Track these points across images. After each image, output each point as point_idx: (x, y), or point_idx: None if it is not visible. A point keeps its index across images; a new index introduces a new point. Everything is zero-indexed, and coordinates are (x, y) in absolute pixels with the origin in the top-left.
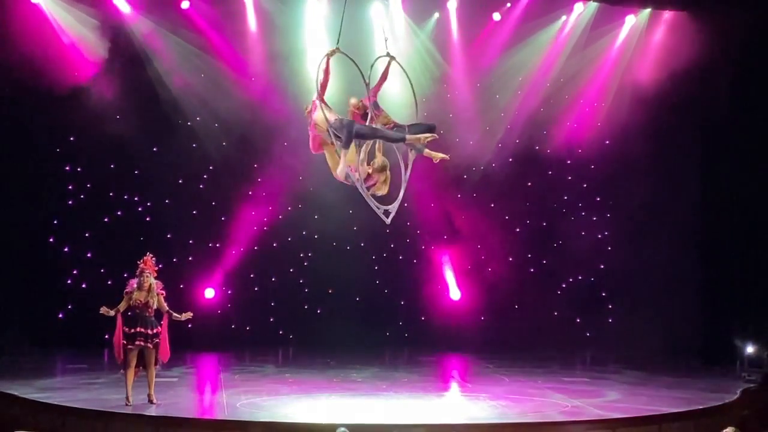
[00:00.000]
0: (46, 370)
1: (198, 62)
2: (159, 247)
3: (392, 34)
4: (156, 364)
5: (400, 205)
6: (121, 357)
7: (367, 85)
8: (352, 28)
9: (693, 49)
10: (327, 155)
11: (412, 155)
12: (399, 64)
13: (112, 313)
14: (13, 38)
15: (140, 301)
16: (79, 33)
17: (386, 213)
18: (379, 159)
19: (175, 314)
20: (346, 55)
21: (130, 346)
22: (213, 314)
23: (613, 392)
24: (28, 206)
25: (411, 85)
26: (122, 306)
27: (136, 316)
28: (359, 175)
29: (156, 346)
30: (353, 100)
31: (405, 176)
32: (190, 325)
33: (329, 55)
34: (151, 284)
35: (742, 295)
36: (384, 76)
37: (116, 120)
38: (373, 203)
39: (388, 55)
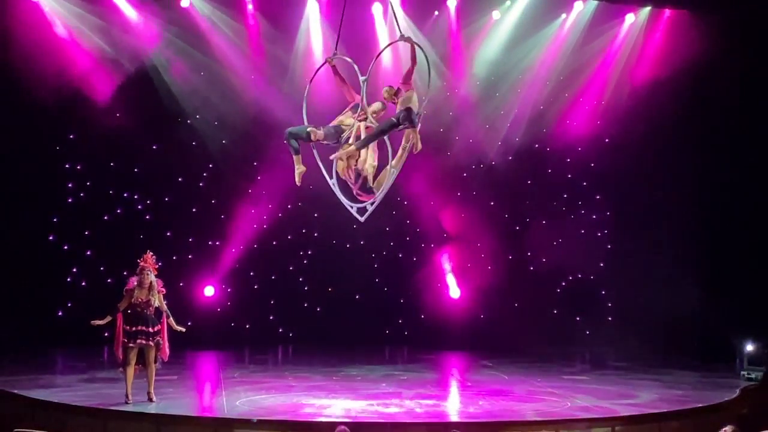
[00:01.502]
0: (46, 367)
1: (198, 60)
2: (159, 245)
3: (389, 34)
4: (156, 362)
5: (399, 204)
6: (121, 355)
7: (365, 82)
8: (352, 27)
9: (693, 47)
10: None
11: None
12: (416, 44)
13: (102, 322)
14: (12, 36)
15: (141, 299)
16: (79, 31)
17: (361, 211)
18: (346, 148)
19: (171, 319)
20: (345, 58)
21: (130, 345)
22: (213, 312)
23: (613, 390)
24: (28, 204)
25: (427, 63)
26: (122, 304)
27: (137, 314)
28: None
29: (157, 344)
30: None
31: (391, 163)
32: (190, 324)
33: (330, 62)
34: (151, 282)
35: (741, 293)
36: (413, 61)
37: (116, 118)
38: (346, 202)
39: (402, 38)
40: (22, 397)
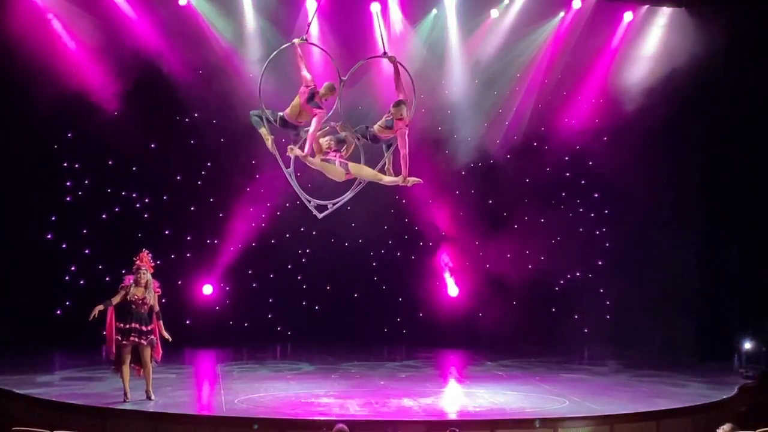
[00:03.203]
0: (44, 366)
1: (196, 58)
2: (157, 243)
3: (390, 31)
4: (151, 361)
5: (397, 203)
6: (113, 352)
7: (343, 83)
8: (350, 26)
9: (691, 46)
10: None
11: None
12: (400, 64)
13: (95, 312)
14: (10, 34)
15: (137, 296)
16: (77, 29)
17: (320, 208)
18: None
19: (162, 323)
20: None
21: (124, 342)
22: (211, 311)
23: (611, 388)
24: (27, 203)
25: (412, 85)
26: (115, 299)
27: (132, 312)
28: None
29: (151, 342)
30: None
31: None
32: (188, 322)
33: (303, 40)
34: (148, 280)
35: (740, 291)
36: (398, 83)
37: (114, 116)
38: (304, 197)
39: (386, 56)
40: (20, 396)
